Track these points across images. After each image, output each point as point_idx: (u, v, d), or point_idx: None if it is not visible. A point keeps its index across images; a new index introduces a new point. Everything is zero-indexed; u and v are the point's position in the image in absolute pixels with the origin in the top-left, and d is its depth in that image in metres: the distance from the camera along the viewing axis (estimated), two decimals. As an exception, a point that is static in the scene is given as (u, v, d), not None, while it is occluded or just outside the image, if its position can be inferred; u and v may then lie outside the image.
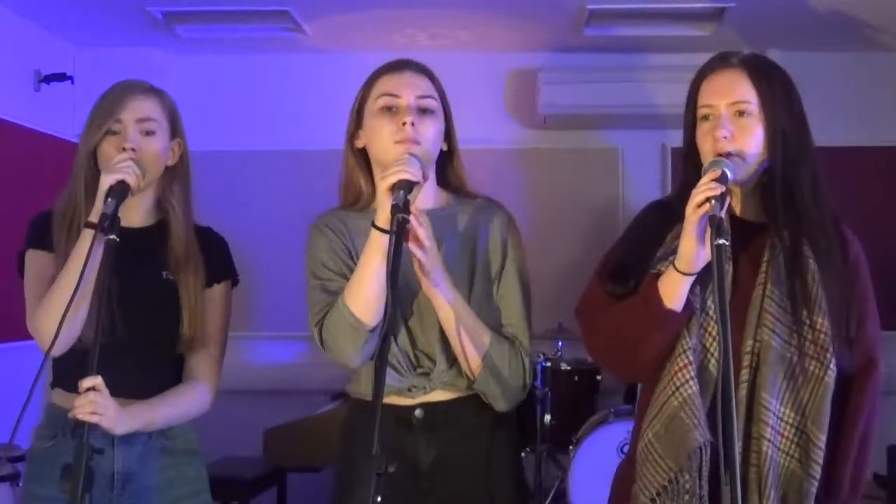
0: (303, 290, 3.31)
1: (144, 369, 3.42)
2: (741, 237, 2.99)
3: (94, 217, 3.17)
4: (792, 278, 2.97)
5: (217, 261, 3.60)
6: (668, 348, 2.97)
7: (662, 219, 3.10)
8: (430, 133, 3.19)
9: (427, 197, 3.29)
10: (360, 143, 3.30)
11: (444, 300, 3.11)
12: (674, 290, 2.90)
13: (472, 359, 3.18)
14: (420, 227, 2.95)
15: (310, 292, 3.27)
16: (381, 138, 3.17)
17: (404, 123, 3.13)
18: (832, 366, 2.91)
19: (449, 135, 3.32)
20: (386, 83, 3.25)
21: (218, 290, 3.58)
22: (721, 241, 2.67)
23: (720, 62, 3.07)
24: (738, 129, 2.96)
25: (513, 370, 3.24)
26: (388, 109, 3.20)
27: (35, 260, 3.43)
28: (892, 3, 6.89)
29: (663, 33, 7.50)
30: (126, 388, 3.29)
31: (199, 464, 3.59)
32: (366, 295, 3.04)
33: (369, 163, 3.31)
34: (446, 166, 3.38)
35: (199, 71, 8.14)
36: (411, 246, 2.96)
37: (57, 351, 3.19)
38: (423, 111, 3.20)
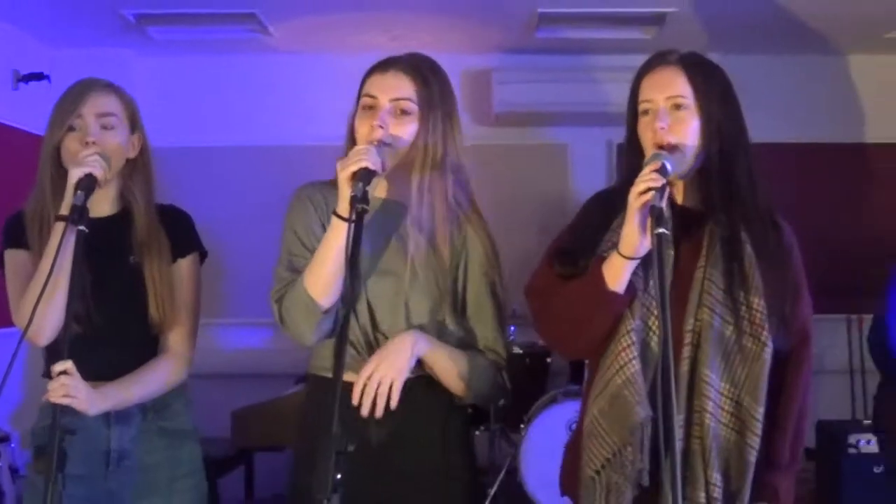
0: (270, 278, 3.29)
1: (123, 353, 3.42)
2: (683, 224, 3.02)
3: (64, 210, 3.15)
4: (730, 262, 3.00)
5: (181, 236, 3.58)
6: (612, 328, 2.99)
7: (608, 206, 3.11)
8: (402, 132, 3.16)
9: (391, 187, 3.29)
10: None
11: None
12: (617, 273, 2.91)
13: (455, 387, 3.22)
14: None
15: (277, 266, 3.25)
16: (360, 136, 3.16)
17: (374, 126, 3.12)
18: (768, 343, 2.95)
19: (419, 134, 3.22)
20: (370, 83, 3.22)
21: (185, 263, 3.56)
22: (661, 230, 2.69)
23: (659, 60, 3.10)
24: (675, 121, 2.98)
25: (493, 385, 3.31)
26: (369, 108, 3.18)
27: (13, 259, 3.42)
28: (823, 10, 6.97)
29: (609, 36, 7.54)
30: (108, 372, 3.31)
31: (195, 445, 3.61)
32: (323, 278, 3.04)
33: None
34: None
35: (170, 71, 8.10)
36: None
37: (44, 340, 3.21)
38: (399, 112, 3.18)
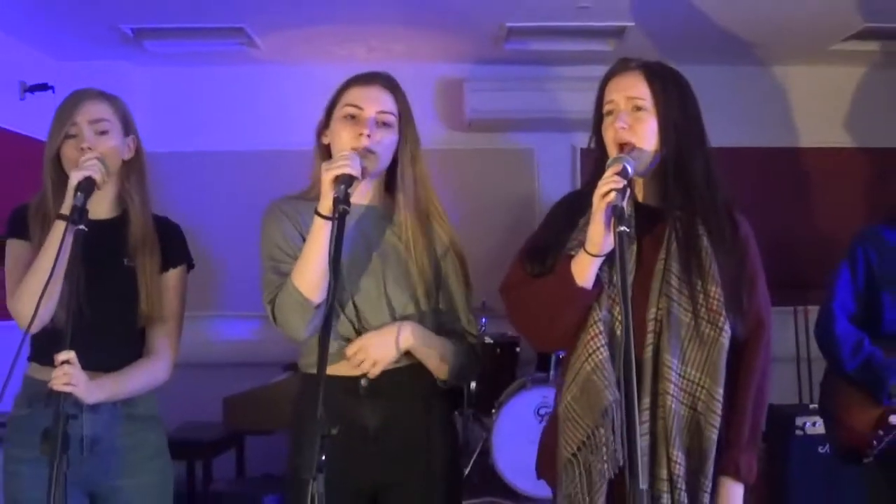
0: (258, 274, 3.29)
1: (110, 345, 3.44)
2: (644, 220, 3.05)
3: (65, 210, 3.18)
4: (688, 253, 3.03)
5: (173, 248, 3.61)
6: (581, 320, 3.02)
7: (576, 207, 3.12)
8: (383, 143, 3.22)
9: (368, 194, 3.33)
10: (325, 140, 3.31)
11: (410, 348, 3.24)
12: (584, 269, 2.93)
13: (439, 371, 3.30)
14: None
15: (264, 273, 3.26)
16: (341, 141, 3.20)
17: (361, 134, 3.16)
18: (726, 328, 2.99)
19: (401, 146, 3.31)
20: (354, 94, 3.27)
21: (174, 273, 3.59)
22: (623, 229, 2.70)
23: (622, 65, 3.15)
24: (634, 121, 3.03)
25: (472, 363, 3.40)
26: (352, 118, 3.21)
27: (14, 248, 3.43)
28: (769, 24, 7.03)
29: (572, 48, 7.53)
30: (95, 362, 3.31)
31: (160, 429, 3.61)
32: (311, 275, 3.06)
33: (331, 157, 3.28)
34: (396, 173, 3.36)
35: (165, 81, 8.06)
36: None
37: (34, 329, 3.19)
38: (382, 124, 3.22)
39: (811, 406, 6.33)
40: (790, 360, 7.69)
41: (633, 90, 3.05)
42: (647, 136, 3.03)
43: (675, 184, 3.06)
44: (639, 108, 3.04)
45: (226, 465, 7.16)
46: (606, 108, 3.10)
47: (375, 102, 3.24)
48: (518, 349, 7.62)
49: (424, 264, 3.28)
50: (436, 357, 3.27)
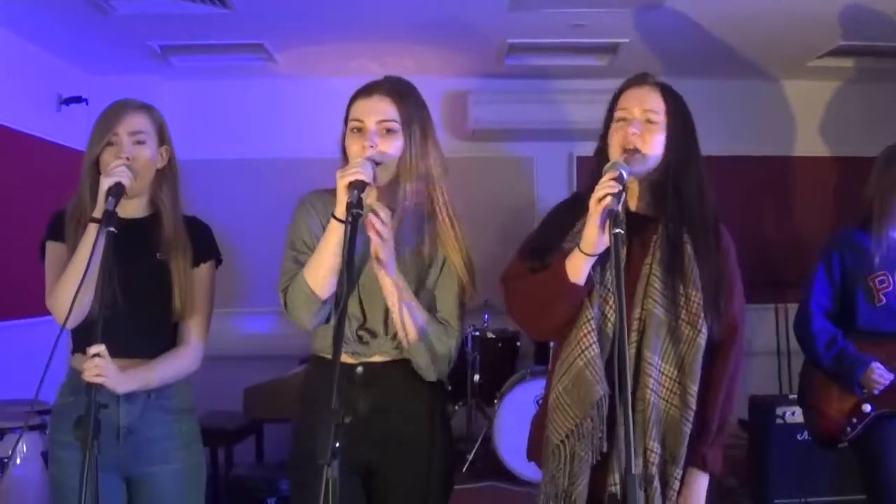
0: (277, 273, 3.29)
1: (143, 334, 3.42)
2: (634, 227, 3.04)
3: (97, 213, 3.18)
4: (672, 258, 3.03)
5: (203, 244, 3.58)
6: (573, 313, 3.02)
7: (574, 210, 3.13)
8: (390, 149, 3.17)
9: (377, 198, 3.27)
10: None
11: (389, 280, 3.12)
12: (577, 267, 2.93)
13: (409, 330, 3.17)
14: (379, 223, 2.97)
15: (284, 261, 3.25)
16: (352, 153, 3.16)
17: (364, 146, 3.13)
18: (703, 329, 2.99)
19: (404, 148, 3.21)
20: (356, 108, 3.21)
21: (204, 268, 3.57)
22: (617, 231, 2.69)
23: (640, 79, 3.16)
24: (646, 130, 3.04)
25: (442, 345, 3.23)
26: (358, 130, 3.18)
27: (52, 250, 3.42)
28: (751, 42, 7.11)
29: (569, 63, 7.57)
30: (129, 350, 3.31)
31: (193, 420, 3.58)
32: (321, 273, 3.05)
33: None
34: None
35: (190, 94, 8.11)
36: (371, 234, 2.98)
37: (71, 324, 3.21)
38: (385, 132, 3.18)
39: (790, 396, 6.33)
40: (771, 354, 7.70)
41: (650, 103, 3.07)
42: (654, 146, 3.04)
43: (670, 195, 3.07)
44: (651, 121, 3.05)
45: (246, 451, 7.16)
46: (619, 114, 3.10)
47: (375, 113, 3.19)
48: (518, 344, 7.65)
49: (416, 262, 3.25)
50: (406, 309, 3.17)
